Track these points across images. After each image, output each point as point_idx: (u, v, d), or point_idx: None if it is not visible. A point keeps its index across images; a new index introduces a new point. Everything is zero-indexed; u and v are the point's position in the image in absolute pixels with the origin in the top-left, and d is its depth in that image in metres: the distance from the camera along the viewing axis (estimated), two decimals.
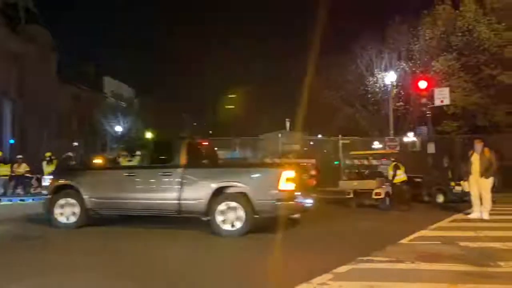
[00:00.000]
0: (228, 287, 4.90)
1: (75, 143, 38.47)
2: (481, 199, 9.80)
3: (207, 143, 10.00)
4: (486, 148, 9.92)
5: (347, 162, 16.32)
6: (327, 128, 28.47)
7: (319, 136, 28.26)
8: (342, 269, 5.30)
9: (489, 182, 9.74)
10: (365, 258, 5.79)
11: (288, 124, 42.13)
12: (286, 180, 7.51)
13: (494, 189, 10.09)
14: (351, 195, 12.28)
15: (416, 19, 22.15)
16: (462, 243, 6.79)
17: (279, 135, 25.77)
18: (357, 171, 14.19)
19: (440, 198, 12.46)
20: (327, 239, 7.71)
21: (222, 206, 7.62)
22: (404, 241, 7.13)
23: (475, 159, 9.87)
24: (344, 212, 11.57)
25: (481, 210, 9.73)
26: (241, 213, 7.54)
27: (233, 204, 7.60)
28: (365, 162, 16.40)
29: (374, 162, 16.01)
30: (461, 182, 11.25)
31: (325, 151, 22.52)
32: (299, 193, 7.98)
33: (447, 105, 18.03)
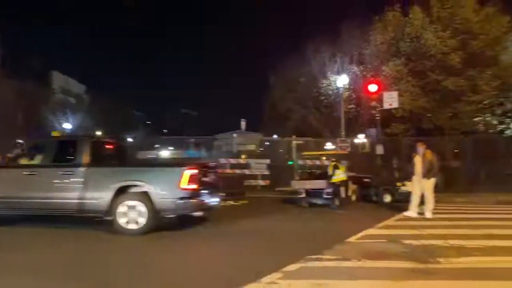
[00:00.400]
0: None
1: (20, 141, 36.41)
2: (423, 199, 10.26)
3: (114, 143, 9.88)
4: (428, 150, 10.41)
5: (300, 162, 16.56)
6: (282, 129, 28.85)
7: (275, 136, 28.56)
8: (292, 267, 5.35)
9: (431, 182, 10.20)
10: (314, 257, 5.88)
11: (243, 124, 42.31)
12: (189, 179, 7.61)
13: (437, 189, 10.61)
14: (303, 195, 12.48)
15: (368, 25, 22.92)
16: (406, 241, 7.06)
17: (234, 135, 25.74)
18: (309, 171, 14.44)
19: (387, 198, 12.93)
20: (276, 238, 7.78)
21: (124, 205, 7.66)
22: (352, 239, 7.32)
23: (418, 160, 10.37)
24: (295, 212, 11.72)
25: (424, 209, 10.19)
26: (144, 212, 7.59)
27: (135, 203, 7.64)
28: (317, 162, 16.77)
29: (326, 162, 16.39)
30: (405, 182, 11.75)
31: (280, 151, 22.75)
32: (204, 192, 8.13)
33: (395, 108, 18.73)
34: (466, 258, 5.91)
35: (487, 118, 21.83)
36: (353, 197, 14.14)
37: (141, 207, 7.61)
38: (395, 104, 17.65)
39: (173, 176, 7.75)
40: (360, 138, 23.15)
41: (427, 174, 10.16)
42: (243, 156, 18.80)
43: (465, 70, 18.62)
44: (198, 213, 8.38)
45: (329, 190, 12.18)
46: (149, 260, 6.03)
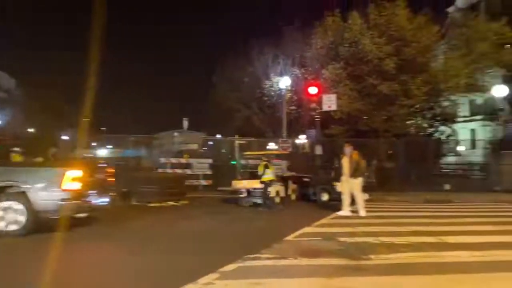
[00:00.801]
0: None
1: None
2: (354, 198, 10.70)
3: None
4: (355, 151, 10.94)
5: (243, 162, 16.63)
6: (226, 129, 28.83)
7: (218, 136, 28.46)
8: (229, 267, 5.34)
9: (358, 182, 10.66)
10: (252, 256, 5.92)
11: (186, 123, 41.73)
12: (71, 179, 7.49)
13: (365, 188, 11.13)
14: (244, 194, 12.54)
15: (309, 28, 23.51)
16: (341, 239, 7.31)
17: (175, 134, 25.31)
18: (250, 171, 14.54)
19: (325, 197, 13.33)
20: (214, 239, 7.76)
21: (0, 207, 7.37)
22: (289, 238, 7.46)
23: (345, 161, 10.88)
24: (236, 211, 11.74)
25: (356, 208, 10.60)
26: (22, 213, 7.35)
27: (12, 204, 7.37)
28: (259, 162, 16.89)
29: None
30: (335, 183, 12.18)
31: (223, 151, 22.70)
32: (92, 192, 8.08)
33: (334, 111, 19.34)
34: (395, 254, 6.22)
35: (418, 121, 23.15)
36: (293, 196, 14.44)
37: (19, 208, 7.30)
38: (334, 107, 18.24)
39: (54, 177, 7.51)
40: (301, 139, 23.69)
41: (354, 174, 10.63)
42: (185, 156, 18.54)
43: (398, 76, 19.63)
44: (82, 215, 8.06)
45: (262, 189, 12.35)
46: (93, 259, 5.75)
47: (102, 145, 23.72)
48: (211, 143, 26.88)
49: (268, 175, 12.15)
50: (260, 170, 12.33)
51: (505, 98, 21.55)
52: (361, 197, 10.67)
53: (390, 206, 13.01)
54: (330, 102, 18.05)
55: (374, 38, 19.81)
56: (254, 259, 5.82)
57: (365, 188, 14.69)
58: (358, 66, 20.48)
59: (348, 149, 11.00)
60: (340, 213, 10.61)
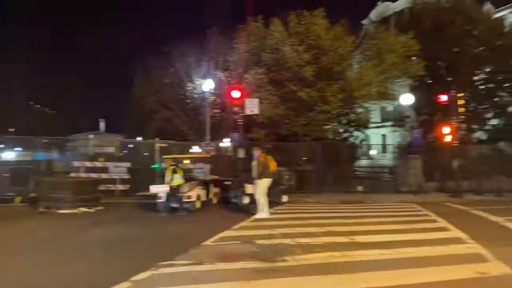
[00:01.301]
0: None
1: None
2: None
3: None
4: (262, 154, 11.27)
5: (164, 165, 16.15)
6: (147, 131, 27.91)
7: (139, 138, 27.45)
8: (142, 275, 5.13)
9: (263, 183, 10.94)
10: (166, 263, 5.74)
11: (102, 125, 39.66)
12: None
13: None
14: (162, 199, 12.16)
15: (234, 32, 23.60)
16: (258, 241, 7.37)
17: (90, 136, 23.95)
18: None
19: (246, 200, 13.38)
20: (128, 246, 7.40)
21: None
22: (207, 242, 7.36)
23: (254, 164, 11.13)
24: (153, 217, 11.35)
25: (263, 209, 10.82)
26: None
27: None
28: (185, 165, 16.54)
29: (190, 166, 16.32)
30: (246, 185, 12.36)
31: (145, 154, 21.88)
32: None
33: (256, 115, 19.58)
34: (310, 255, 6.41)
35: (335, 127, 24.23)
36: (215, 200, 14.33)
37: None
38: (256, 111, 18.45)
39: None
40: (225, 142, 23.66)
41: (259, 176, 10.90)
42: (100, 159, 17.56)
43: (316, 83, 20.39)
44: None
45: (200, 193, 12.13)
46: None
47: (9, 147, 21.79)
48: (131, 145, 25.86)
49: (177, 180, 11.92)
50: (167, 175, 12.06)
51: (411, 106, 23.35)
52: (263, 199, 10.90)
53: (308, 208, 13.42)
54: (252, 107, 18.23)
55: (294, 46, 20.38)
56: (168, 266, 5.64)
57: (285, 190, 15.17)
58: (279, 72, 20.93)
59: (256, 152, 11.33)
60: (257, 216, 10.71)
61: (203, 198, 13.03)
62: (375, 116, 31.93)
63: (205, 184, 13.74)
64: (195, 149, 22.54)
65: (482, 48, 25.66)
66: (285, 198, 14.68)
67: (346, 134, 26.19)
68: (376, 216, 11.24)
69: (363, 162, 30.34)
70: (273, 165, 11.28)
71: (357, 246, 7.12)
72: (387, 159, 28.18)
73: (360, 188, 19.88)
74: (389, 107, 34.06)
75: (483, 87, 26.33)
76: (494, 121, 26.78)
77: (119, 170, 17.10)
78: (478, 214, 11.90)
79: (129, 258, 6.27)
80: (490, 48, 25.68)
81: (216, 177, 15.08)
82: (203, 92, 22.82)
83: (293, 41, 20.50)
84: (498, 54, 25.62)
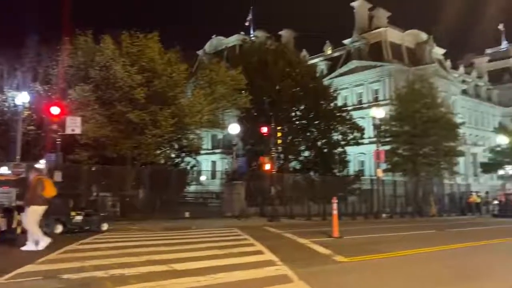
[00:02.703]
0: None
1: None
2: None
3: None
4: (37, 177, 9.97)
5: None
6: None
7: None
8: None
9: (34, 210, 9.68)
10: None
11: None
12: None
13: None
14: None
15: (58, 44, 21.59)
16: (65, 276, 6.58)
17: None
18: None
19: (59, 229, 12.01)
20: None
21: None
22: (2, 280, 6.25)
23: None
24: None
25: (37, 239, 9.53)
26: None
27: None
28: None
29: None
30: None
31: None
32: None
33: (79, 135, 18.10)
34: (123, 287, 5.98)
35: (167, 152, 24.06)
36: (19, 230, 12.44)
37: None
38: (78, 130, 17.03)
39: None
40: (41, 163, 21.08)
41: (28, 202, 9.68)
42: None
43: (148, 105, 20.00)
44: None
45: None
46: None
47: None
48: None
49: None
50: None
51: (238, 135, 24.88)
52: (35, 229, 9.59)
53: (130, 236, 12.76)
54: (74, 125, 16.76)
55: (126, 66, 19.68)
56: None
57: (106, 217, 14.19)
58: (109, 91, 19.86)
59: (32, 174, 10.03)
60: (25, 248, 9.34)
61: (3, 228, 11.20)
62: (206, 143, 33.08)
63: (7, 211, 11.86)
64: (3, 170, 19.63)
65: (298, 88, 29.24)
66: (105, 226, 13.72)
67: (177, 160, 26.29)
68: (198, 242, 11.33)
69: (193, 187, 30.84)
70: (50, 191, 9.91)
71: (174, 274, 6.97)
72: (216, 185, 29.28)
73: (187, 214, 20.00)
74: (219, 135, 35.74)
75: (298, 122, 29.88)
76: (306, 153, 30.51)
77: None
78: (289, 237, 13.09)
79: None
80: (304, 89, 29.49)
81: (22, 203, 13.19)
82: (16, 106, 20.07)
83: (124, 61, 19.77)
84: (311, 95, 29.60)
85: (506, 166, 37.40)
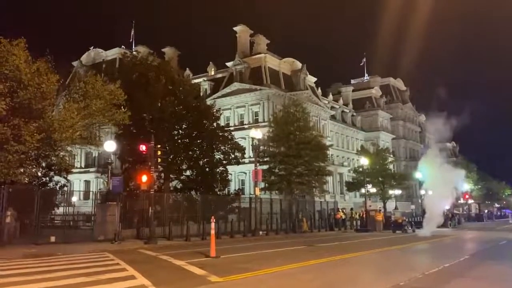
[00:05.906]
0: None
1: None
2: None
3: None
4: None
5: None
6: None
7: None
8: None
9: None
10: None
11: None
12: None
13: None
14: None
15: None
16: None
17: None
18: None
19: None
20: None
21: None
22: None
23: None
24: None
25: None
26: None
27: None
28: None
29: None
30: None
31: None
32: None
33: None
34: None
35: (33, 170, 21.75)
36: None
37: None
38: None
39: None
40: None
41: None
42: None
43: (10, 118, 17.95)
44: None
45: None
46: None
47: None
48: None
49: None
50: None
51: (115, 153, 23.65)
52: None
53: None
54: None
55: None
56: None
57: None
58: None
59: None
60: None
61: None
62: (79, 161, 30.70)
63: None
64: None
65: (181, 107, 29.07)
66: None
67: (45, 179, 23.91)
68: (62, 269, 10.36)
69: (62, 209, 28.28)
70: None
71: None
72: (89, 207, 27.24)
73: (53, 238, 18.23)
74: (94, 152, 33.53)
75: (180, 141, 29.59)
76: (188, 172, 30.29)
77: None
78: (165, 259, 12.77)
79: None
80: (187, 108, 29.44)
81: None
82: None
83: None
84: (193, 114, 29.66)
85: (367, 184, 41.88)
